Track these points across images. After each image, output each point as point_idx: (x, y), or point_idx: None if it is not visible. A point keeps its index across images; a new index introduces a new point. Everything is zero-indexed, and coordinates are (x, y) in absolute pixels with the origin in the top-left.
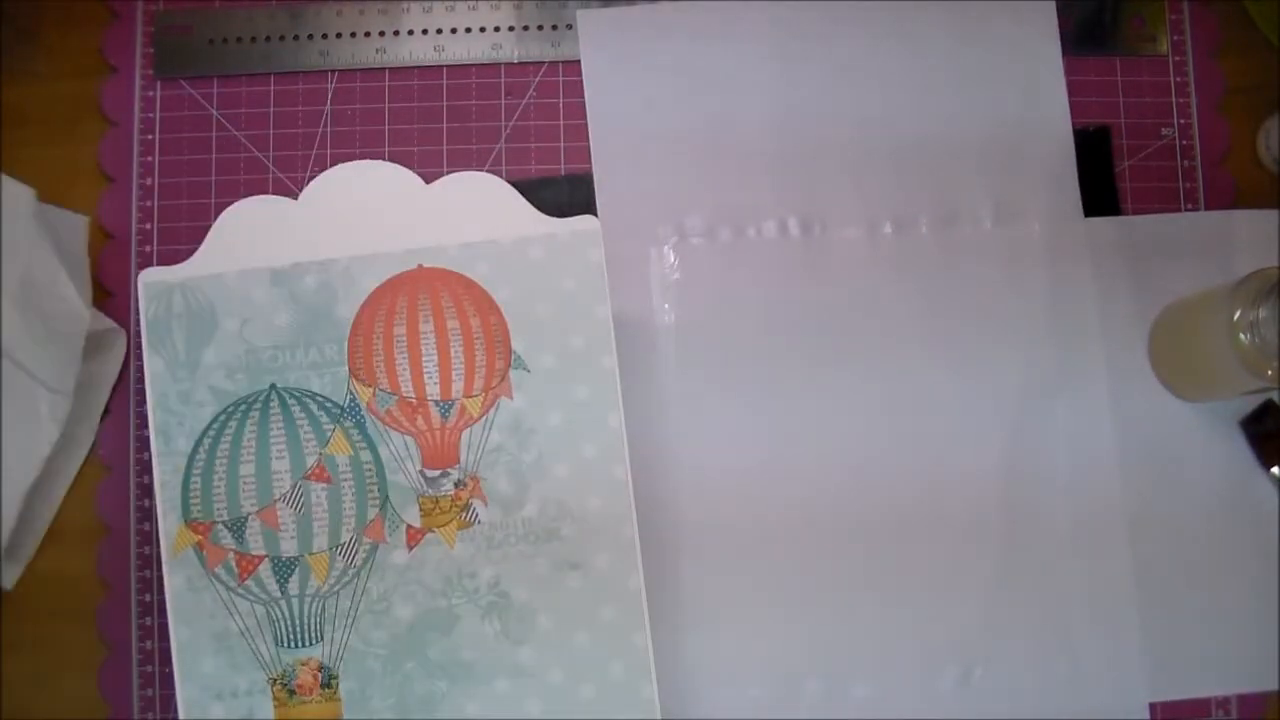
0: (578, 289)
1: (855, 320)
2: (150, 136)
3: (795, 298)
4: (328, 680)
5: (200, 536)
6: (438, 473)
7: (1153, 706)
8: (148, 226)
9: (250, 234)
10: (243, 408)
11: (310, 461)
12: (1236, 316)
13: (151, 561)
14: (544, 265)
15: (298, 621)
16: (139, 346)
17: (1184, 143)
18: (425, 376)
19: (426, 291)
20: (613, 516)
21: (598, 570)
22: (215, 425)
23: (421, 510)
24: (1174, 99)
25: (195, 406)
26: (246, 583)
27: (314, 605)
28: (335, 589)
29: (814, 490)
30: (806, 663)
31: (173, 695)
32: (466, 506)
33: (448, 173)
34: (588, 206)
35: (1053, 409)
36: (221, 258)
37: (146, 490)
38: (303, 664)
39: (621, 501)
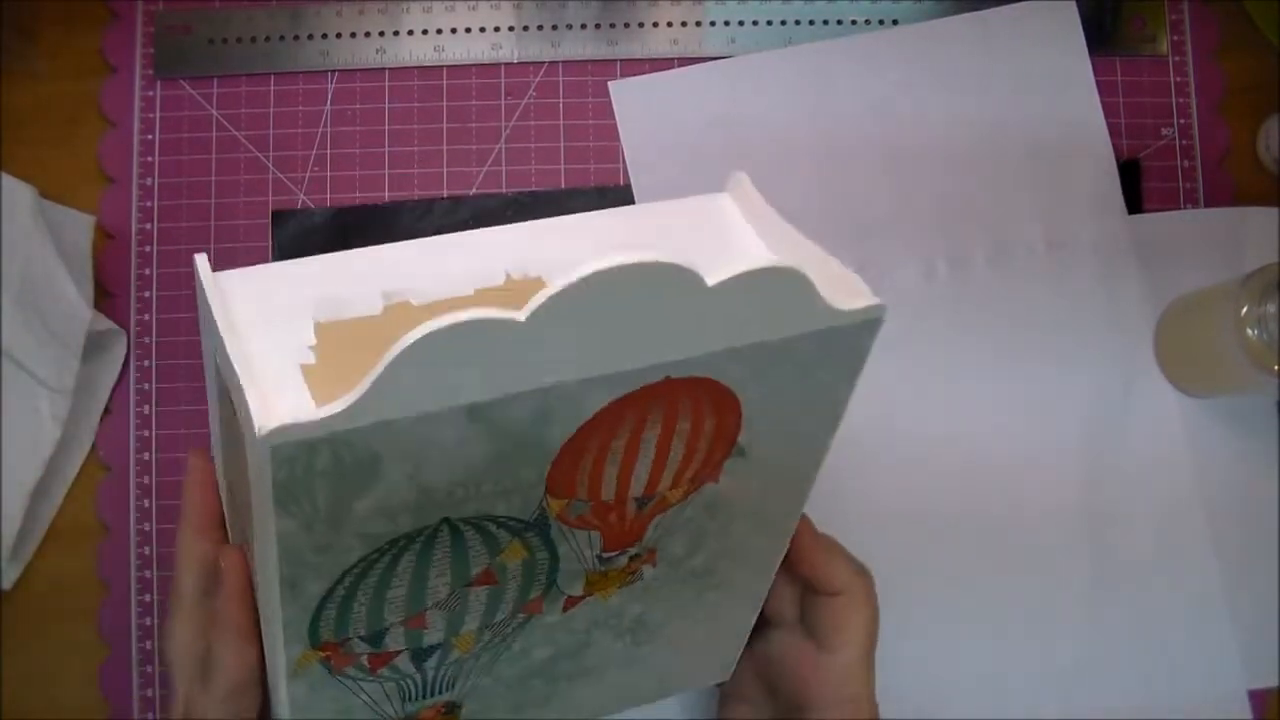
0: (832, 381)
1: (920, 359)
2: (150, 136)
3: None
4: (450, 710)
5: (328, 652)
6: (616, 553)
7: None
8: (148, 226)
9: (443, 370)
10: (401, 543)
11: (476, 572)
12: (1244, 311)
13: (151, 561)
14: (809, 360)
15: (430, 685)
16: (139, 347)
17: (1184, 143)
18: (633, 479)
19: (664, 405)
20: (768, 552)
21: (736, 586)
22: (362, 564)
23: (586, 581)
24: (1174, 99)
25: (338, 554)
26: (380, 672)
27: (451, 669)
28: (477, 654)
29: (889, 529)
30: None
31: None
32: (636, 572)
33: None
34: None
35: (1125, 419)
36: (394, 401)
37: (146, 490)
38: (428, 706)
39: (780, 546)
